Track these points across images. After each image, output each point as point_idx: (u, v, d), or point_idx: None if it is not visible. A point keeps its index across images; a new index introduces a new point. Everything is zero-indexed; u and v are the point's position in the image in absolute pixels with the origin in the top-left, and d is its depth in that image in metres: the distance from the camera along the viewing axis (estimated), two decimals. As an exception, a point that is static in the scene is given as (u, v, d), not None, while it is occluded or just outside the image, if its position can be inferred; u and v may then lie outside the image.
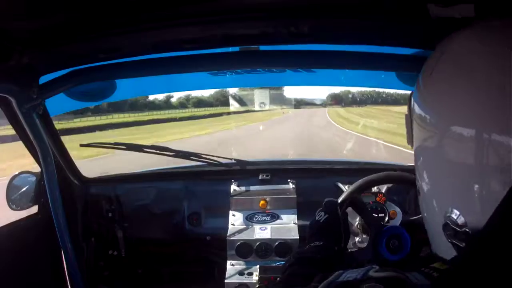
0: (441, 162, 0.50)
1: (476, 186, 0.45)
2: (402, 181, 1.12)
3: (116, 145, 1.61)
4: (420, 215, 1.12)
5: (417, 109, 0.54)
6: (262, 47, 1.07)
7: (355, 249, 1.17)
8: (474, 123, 0.45)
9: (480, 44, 0.49)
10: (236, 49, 1.07)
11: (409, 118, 0.58)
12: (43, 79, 1.09)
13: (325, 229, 0.91)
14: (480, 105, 0.45)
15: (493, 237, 0.40)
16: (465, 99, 0.46)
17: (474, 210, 0.46)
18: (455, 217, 0.47)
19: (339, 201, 1.04)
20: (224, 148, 7.96)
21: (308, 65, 1.26)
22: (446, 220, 0.48)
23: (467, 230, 0.46)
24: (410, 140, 0.58)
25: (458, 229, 0.47)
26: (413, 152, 0.57)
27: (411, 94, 0.58)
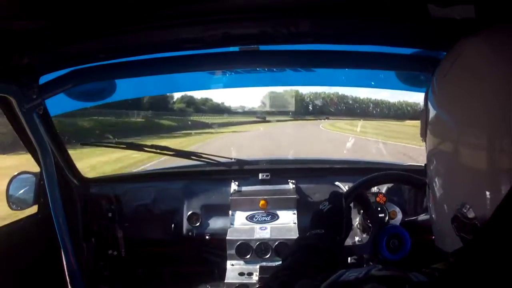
0: (455, 159, 0.50)
1: (488, 182, 0.46)
2: (410, 183, 1.11)
3: (116, 144, 1.62)
4: (420, 215, 1.13)
5: (431, 108, 0.56)
6: (262, 47, 1.07)
7: None
8: (487, 126, 0.45)
9: (495, 49, 0.49)
10: (236, 49, 1.07)
11: (424, 113, 0.59)
12: (43, 79, 1.09)
13: (327, 219, 0.90)
14: (494, 108, 0.45)
15: (497, 230, 0.40)
16: (478, 101, 0.47)
17: (485, 205, 0.46)
18: (465, 211, 0.48)
19: (345, 193, 1.04)
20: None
21: (309, 64, 1.26)
22: (456, 213, 0.49)
23: (476, 223, 0.46)
24: (424, 133, 0.59)
25: (467, 222, 0.47)
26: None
27: (426, 92, 0.60)
